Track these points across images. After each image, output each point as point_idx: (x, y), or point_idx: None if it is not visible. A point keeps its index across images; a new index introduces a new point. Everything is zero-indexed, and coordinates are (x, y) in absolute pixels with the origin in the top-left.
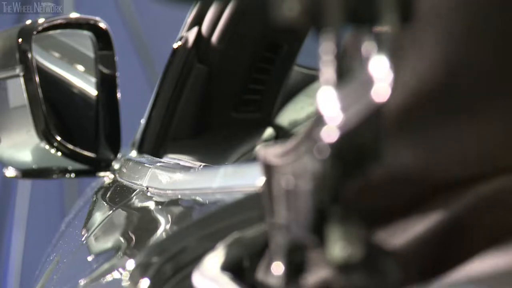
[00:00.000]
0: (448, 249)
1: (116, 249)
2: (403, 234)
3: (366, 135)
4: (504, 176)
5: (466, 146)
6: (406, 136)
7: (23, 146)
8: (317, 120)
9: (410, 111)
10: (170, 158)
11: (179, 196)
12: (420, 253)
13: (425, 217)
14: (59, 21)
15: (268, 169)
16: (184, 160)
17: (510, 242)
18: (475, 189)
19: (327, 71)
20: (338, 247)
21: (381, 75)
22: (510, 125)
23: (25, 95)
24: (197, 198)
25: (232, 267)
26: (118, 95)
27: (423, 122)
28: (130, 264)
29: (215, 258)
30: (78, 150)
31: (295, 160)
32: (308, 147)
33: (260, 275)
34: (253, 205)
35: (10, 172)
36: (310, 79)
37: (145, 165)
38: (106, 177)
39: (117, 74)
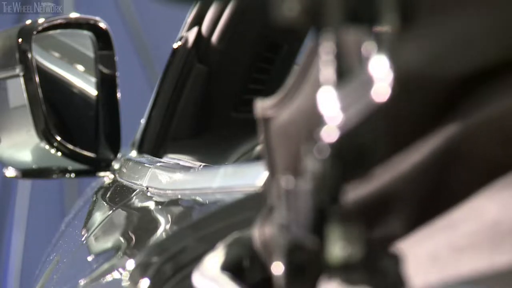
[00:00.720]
0: (445, 180)
1: (116, 249)
2: (399, 166)
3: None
4: (503, 94)
5: (466, 37)
6: (409, 36)
7: (23, 146)
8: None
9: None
10: (170, 158)
11: (179, 196)
12: (416, 184)
13: (421, 146)
14: (59, 21)
15: (265, 122)
16: (184, 160)
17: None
18: (473, 108)
19: (327, 71)
20: (338, 247)
21: (381, 75)
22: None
23: (25, 95)
24: (197, 198)
25: (232, 267)
26: (118, 95)
27: (423, 16)
28: (130, 264)
29: (215, 258)
30: (78, 150)
31: (285, 108)
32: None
33: (257, 231)
34: (253, 205)
35: (10, 172)
36: None
37: (145, 165)
38: (106, 177)
39: (117, 74)
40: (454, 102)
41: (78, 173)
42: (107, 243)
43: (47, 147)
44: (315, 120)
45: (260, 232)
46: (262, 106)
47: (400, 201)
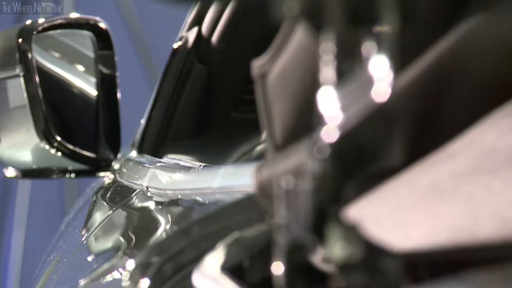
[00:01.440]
0: (435, 100)
1: (116, 249)
2: (398, 82)
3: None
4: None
5: None
6: None
7: (23, 146)
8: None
9: None
10: (170, 158)
11: (179, 196)
12: (412, 100)
13: (419, 62)
14: (59, 21)
15: (261, 79)
16: (184, 160)
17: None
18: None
19: (327, 71)
20: (338, 247)
21: (381, 75)
22: None
23: (25, 95)
24: (197, 198)
25: (232, 267)
26: (118, 95)
27: None
28: (130, 264)
29: (215, 258)
30: (78, 150)
31: (279, 58)
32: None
33: (254, 177)
34: (253, 205)
35: (10, 172)
36: None
37: (145, 165)
38: (106, 177)
39: (117, 74)
40: (457, 11)
41: (78, 173)
42: (107, 243)
43: (47, 147)
44: (309, 61)
45: (257, 177)
46: (258, 64)
47: (398, 120)
